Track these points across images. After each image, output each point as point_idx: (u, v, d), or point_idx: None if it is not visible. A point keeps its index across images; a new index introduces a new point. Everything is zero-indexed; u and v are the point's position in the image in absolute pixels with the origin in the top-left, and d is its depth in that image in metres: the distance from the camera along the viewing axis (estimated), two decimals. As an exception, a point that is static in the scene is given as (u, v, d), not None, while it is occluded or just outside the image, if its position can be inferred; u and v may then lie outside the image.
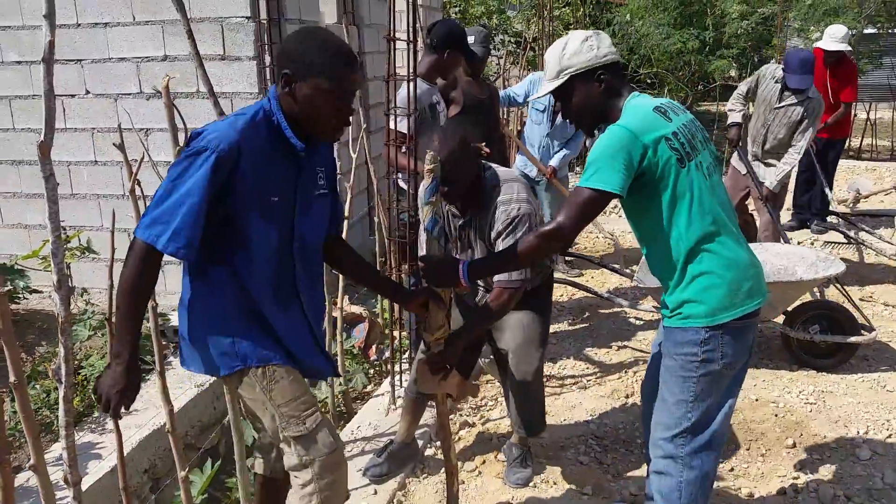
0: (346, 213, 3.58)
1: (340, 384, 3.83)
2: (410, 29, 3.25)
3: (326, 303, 2.38)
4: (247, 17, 4.19)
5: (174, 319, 4.19)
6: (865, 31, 11.74)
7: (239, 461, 2.75)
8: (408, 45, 3.24)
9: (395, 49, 3.38)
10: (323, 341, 2.24)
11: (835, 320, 3.86)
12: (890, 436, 3.31)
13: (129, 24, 4.31)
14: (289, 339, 2.06)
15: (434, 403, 2.74)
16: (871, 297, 5.03)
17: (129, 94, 4.41)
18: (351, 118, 1.99)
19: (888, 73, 13.98)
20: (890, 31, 12.12)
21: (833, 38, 5.86)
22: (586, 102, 2.18)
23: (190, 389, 3.63)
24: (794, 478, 3.00)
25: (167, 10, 4.09)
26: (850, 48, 5.94)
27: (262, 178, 1.89)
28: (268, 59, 4.34)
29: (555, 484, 3.03)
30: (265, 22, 4.29)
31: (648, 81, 12.67)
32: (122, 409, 1.89)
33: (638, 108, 2.11)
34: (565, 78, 2.15)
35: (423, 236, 2.56)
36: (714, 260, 2.07)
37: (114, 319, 1.93)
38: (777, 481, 2.99)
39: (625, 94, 2.18)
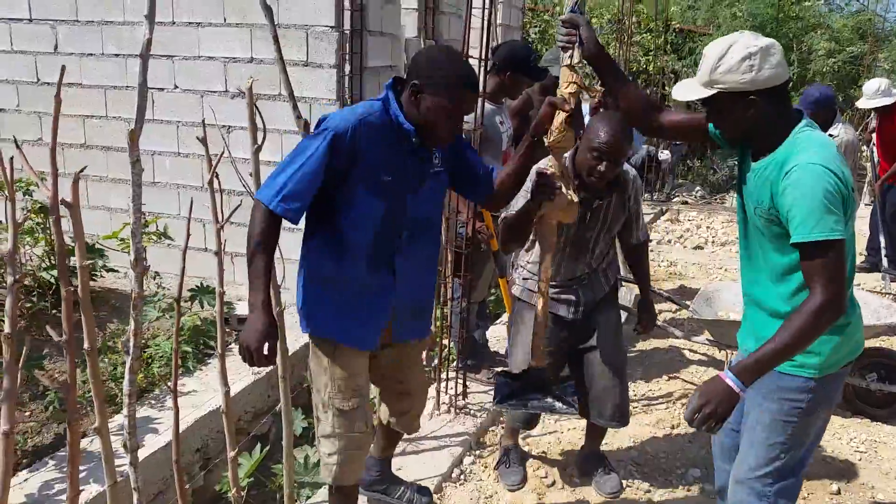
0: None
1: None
2: (484, 47, 3.35)
3: (434, 272, 2.52)
4: (331, 27, 4.36)
5: (240, 308, 4.37)
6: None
7: (287, 448, 2.88)
8: (480, 63, 3.33)
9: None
10: (414, 309, 2.41)
11: (893, 369, 3.76)
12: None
13: (219, 24, 4.55)
14: (367, 300, 2.27)
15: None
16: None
17: (215, 91, 4.64)
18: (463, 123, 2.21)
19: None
20: None
21: (866, 95, 5.77)
22: (734, 120, 2.00)
23: (247, 376, 3.78)
24: (832, 520, 2.95)
25: (256, 14, 4.28)
26: (889, 100, 5.73)
27: (376, 158, 2.14)
28: (348, 67, 4.50)
29: (590, 505, 3.05)
30: (348, 32, 4.46)
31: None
32: (267, 354, 2.05)
33: (828, 147, 1.96)
34: (713, 92, 1.96)
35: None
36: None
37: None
38: (815, 524, 2.94)
39: (786, 121, 1.99)
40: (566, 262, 2.86)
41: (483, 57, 3.33)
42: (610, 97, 2.38)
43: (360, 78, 4.66)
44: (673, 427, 3.74)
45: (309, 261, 2.30)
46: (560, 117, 2.21)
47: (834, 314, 1.88)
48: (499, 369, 2.93)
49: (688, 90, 2.02)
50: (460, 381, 3.63)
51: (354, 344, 2.32)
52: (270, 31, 2.47)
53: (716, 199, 10.05)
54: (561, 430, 3.65)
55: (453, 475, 3.18)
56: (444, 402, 3.59)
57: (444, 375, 3.65)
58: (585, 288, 2.90)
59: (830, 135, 4.66)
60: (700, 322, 4.01)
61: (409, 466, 3.15)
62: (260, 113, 2.38)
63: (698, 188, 10.50)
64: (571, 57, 2.20)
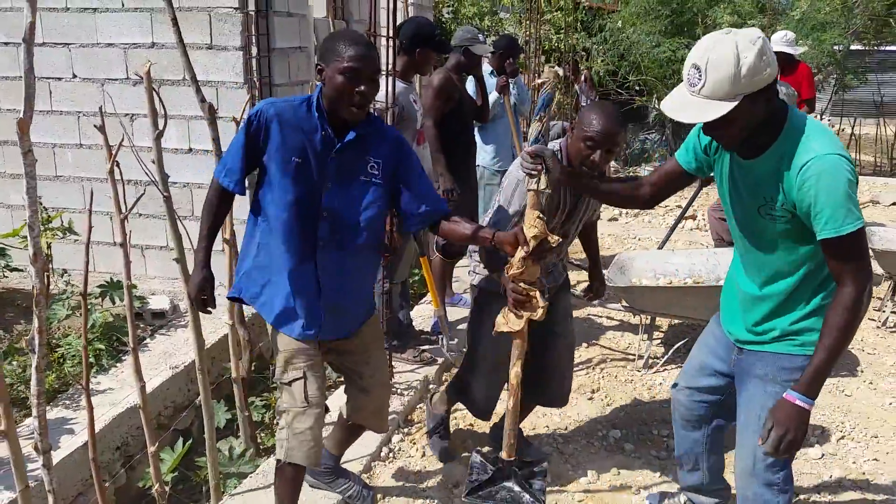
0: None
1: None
2: (390, 26, 3.34)
3: (363, 283, 2.53)
4: (235, 8, 4.25)
5: (153, 303, 4.26)
6: (852, 48, 11.91)
7: (209, 440, 2.84)
8: (387, 41, 3.32)
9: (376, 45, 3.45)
10: (337, 309, 2.42)
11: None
12: (842, 437, 3.43)
13: (117, 10, 4.37)
14: (295, 292, 2.35)
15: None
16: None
17: (116, 79, 4.47)
18: (365, 97, 2.21)
19: (873, 89, 14.23)
20: (876, 47, 12.29)
21: (772, 41, 6.03)
22: (749, 122, 1.91)
23: (164, 371, 3.69)
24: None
25: (157, -2, 4.15)
26: (790, 49, 6.09)
27: (286, 139, 2.25)
28: (255, 49, 4.41)
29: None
30: (253, 14, 4.36)
31: (637, 88, 12.80)
32: (207, 305, 2.46)
33: (829, 132, 1.95)
34: (737, 102, 1.83)
35: (519, 187, 2.57)
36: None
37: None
38: (731, 477, 3.09)
39: (779, 112, 1.95)
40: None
41: (390, 35, 3.32)
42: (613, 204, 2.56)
43: (268, 60, 4.57)
44: (593, 391, 3.87)
45: (246, 235, 2.44)
46: (521, 253, 2.26)
47: (868, 299, 1.90)
48: (482, 450, 2.84)
49: (701, 111, 1.86)
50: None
51: (281, 327, 2.39)
52: (169, 14, 2.41)
53: (629, 172, 10.34)
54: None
55: (382, 454, 3.20)
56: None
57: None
58: (550, 276, 2.93)
59: None
60: (615, 289, 4.14)
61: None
62: (160, 98, 2.32)
63: (612, 162, 10.78)
64: (538, 183, 2.30)
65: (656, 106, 9.51)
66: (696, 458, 2.61)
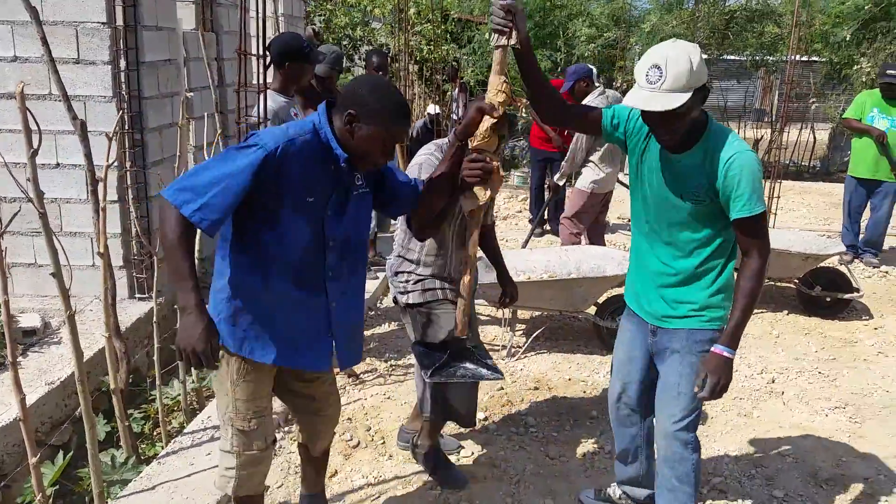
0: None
1: (193, 382, 4.00)
2: (260, 41, 3.51)
3: (363, 295, 2.52)
4: (102, 23, 4.28)
5: (23, 321, 4.19)
6: (697, 58, 12.97)
7: (91, 449, 2.89)
8: (258, 58, 3.49)
9: (247, 59, 3.61)
10: (352, 332, 2.42)
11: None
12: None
13: (-25, 23, 4.28)
14: (297, 327, 2.26)
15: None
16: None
17: (-25, 93, 4.37)
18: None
19: (718, 95, 15.57)
20: (718, 57, 13.47)
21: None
22: (687, 119, 2.27)
23: (40, 387, 3.68)
24: (594, 442, 3.52)
25: (19, 11, 4.10)
26: None
27: (302, 180, 2.12)
28: (123, 63, 4.44)
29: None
30: (121, 28, 4.39)
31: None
32: (216, 358, 2.03)
33: (732, 132, 2.37)
34: (692, 92, 2.20)
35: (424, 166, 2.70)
36: (732, 275, 2.48)
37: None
38: (581, 446, 3.49)
39: (703, 115, 2.36)
40: (454, 255, 2.94)
41: (259, 53, 3.48)
42: (531, 92, 2.46)
43: (137, 73, 4.60)
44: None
45: (231, 274, 2.20)
46: (487, 123, 2.26)
47: (767, 269, 2.34)
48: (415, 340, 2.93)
49: (666, 100, 2.18)
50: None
51: (275, 360, 2.25)
52: (37, 32, 2.49)
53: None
54: (364, 398, 3.95)
55: (264, 451, 3.35)
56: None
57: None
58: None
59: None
60: (481, 286, 4.47)
61: (218, 452, 3.28)
62: (34, 116, 2.38)
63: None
64: (508, 39, 2.23)
65: (524, 114, 10.02)
66: (635, 451, 2.84)
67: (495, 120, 2.25)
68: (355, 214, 2.29)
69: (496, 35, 2.25)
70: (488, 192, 2.36)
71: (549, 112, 2.55)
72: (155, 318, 3.66)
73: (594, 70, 5.91)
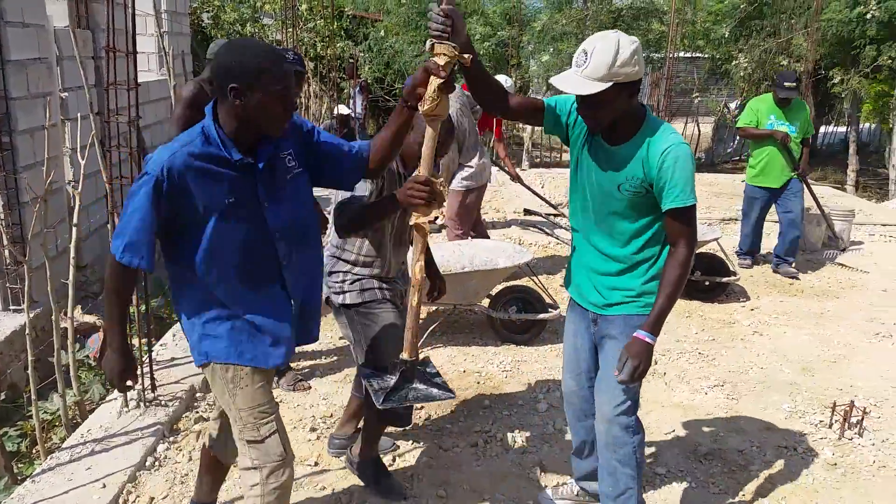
0: (76, 221, 3.60)
1: (74, 395, 3.81)
2: (130, 39, 3.37)
3: (321, 271, 2.47)
4: (-43, 18, 4.01)
5: None
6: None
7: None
8: (127, 56, 3.35)
9: (116, 56, 3.45)
10: (312, 310, 2.41)
11: (528, 301, 4.59)
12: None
13: None
14: (263, 317, 2.24)
15: None
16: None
17: None
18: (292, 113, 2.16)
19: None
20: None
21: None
22: (616, 109, 2.32)
23: None
24: (486, 431, 3.59)
25: None
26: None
27: (208, 187, 2.07)
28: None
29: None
30: (-21, 24, 4.13)
31: (404, 94, 13.37)
32: (129, 384, 2.30)
33: (668, 125, 2.42)
34: (609, 84, 2.24)
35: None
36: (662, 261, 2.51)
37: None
38: (474, 436, 3.55)
39: (640, 109, 2.41)
40: (393, 255, 2.93)
41: (130, 51, 3.34)
42: (473, 85, 2.46)
43: (2, 73, 4.35)
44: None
45: (186, 301, 2.24)
46: (434, 83, 2.19)
47: (693, 260, 2.39)
48: (362, 364, 2.86)
49: (581, 85, 2.25)
50: (148, 376, 3.66)
51: (259, 363, 2.24)
52: None
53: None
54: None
55: (147, 463, 3.24)
56: (132, 399, 3.60)
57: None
58: (403, 278, 3.05)
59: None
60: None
61: (101, 464, 3.15)
62: None
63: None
64: (448, 43, 2.18)
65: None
66: (591, 443, 2.86)
67: (442, 80, 2.18)
68: (294, 197, 2.24)
69: (432, 41, 2.21)
70: (433, 208, 2.38)
71: (493, 103, 2.55)
72: (28, 331, 3.47)
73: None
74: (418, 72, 2.23)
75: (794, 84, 6.04)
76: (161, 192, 2.03)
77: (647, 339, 2.40)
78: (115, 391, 2.19)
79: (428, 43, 2.24)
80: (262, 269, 2.21)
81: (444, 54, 2.18)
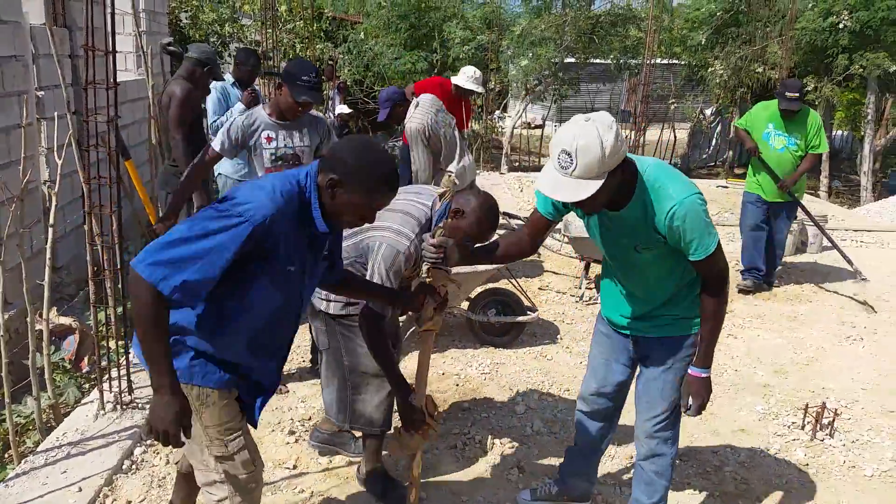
0: (52, 221, 3.56)
1: (49, 398, 3.77)
2: (109, 37, 3.35)
3: None
4: (-70, 15, 3.95)
5: None
6: (566, 61, 13.50)
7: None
8: (106, 55, 3.32)
9: (94, 55, 3.42)
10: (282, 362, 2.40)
11: (507, 304, 4.62)
12: (542, 394, 4.07)
13: None
14: (273, 367, 2.29)
15: None
16: (547, 285, 5.98)
17: None
18: None
19: (587, 98, 16.24)
20: (586, 60, 14.04)
21: (464, 74, 6.43)
22: (611, 189, 2.20)
23: None
24: (465, 433, 3.60)
25: None
26: (478, 89, 6.49)
27: (287, 249, 2.01)
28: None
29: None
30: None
31: (384, 97, 13.36)
32: (183, 437, 1.95)
33: (675, 174, 2.35)
34: (605, 177, 2.13)
35: (398, 261, 2.67)
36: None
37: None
38: (452, 438, 3.56)
39: (630, 172, 2.28)
40: None
41: (108, 50, 3.32)
42: (493, 262, 2.83)
43: (-24, 71, 4.29)
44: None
45: (182, 326, 2.08)
46: (431, 304, 2.50)
47: (728, 286, 2.45)
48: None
49: (577, 189, 2.12)
50: (125, 379, 3.63)
51: (224, 388, 2.16)
52: None
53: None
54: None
55: (124, 466, 3.21)
56: (108, 402, 3.56)
57: (111, 374, 3.61)
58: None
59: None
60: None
61: (76, 467, 3.12)
62: None
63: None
64: (441, 270, 2.52)
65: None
66: (592, 444, 2.94)
67: (437, 302, 2.52)
68: (317, 278, 2.28)
69: (428, 266, 2.52)
70: (441, 315, 2.62)
71: (521, 255, 2.75)
72: (2, 333, 3.42)
73: (404, 90, 5.88)
74: (416, 291, 2.52)
75: (797, 95, 5.56)
76: (251, 241, 1.90)
77: (703, 374, 2.50)
78: (160, 443, 1.96)
79: (424, 266, 2.54)
80: (276, 340, 2.22)
81: (438, 278, 2.50)
